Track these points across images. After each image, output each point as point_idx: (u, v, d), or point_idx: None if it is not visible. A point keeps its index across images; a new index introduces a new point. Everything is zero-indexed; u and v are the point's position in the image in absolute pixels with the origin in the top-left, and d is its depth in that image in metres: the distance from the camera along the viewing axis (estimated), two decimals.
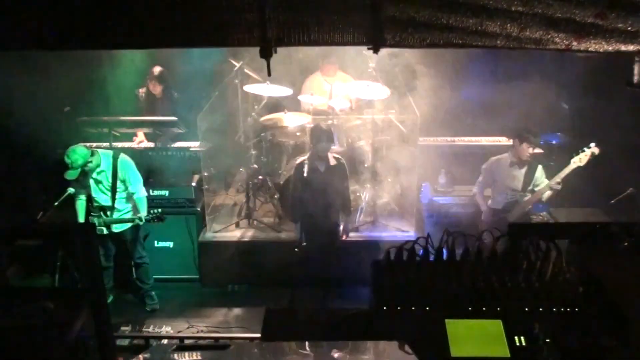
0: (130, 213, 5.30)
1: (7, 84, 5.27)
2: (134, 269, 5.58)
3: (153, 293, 5.65)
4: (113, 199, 5.15)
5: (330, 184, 5.13)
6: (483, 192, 5.60)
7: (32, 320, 2.01)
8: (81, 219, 5.16)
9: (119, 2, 1.89)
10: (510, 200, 5.36)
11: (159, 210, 5.37)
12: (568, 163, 4.96)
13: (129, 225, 5.30)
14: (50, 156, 6.00)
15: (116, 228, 5.26)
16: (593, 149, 4.87)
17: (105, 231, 5.20)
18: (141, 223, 5.19)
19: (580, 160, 4.88)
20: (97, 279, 2.27)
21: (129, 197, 5.26)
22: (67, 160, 4.82)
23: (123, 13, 1.90)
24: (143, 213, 5.22)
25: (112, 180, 5.12)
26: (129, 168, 5.20)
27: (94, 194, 5.15)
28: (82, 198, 5.17)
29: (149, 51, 6.07)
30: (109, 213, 5.17)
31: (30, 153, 5.67)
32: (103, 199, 5.16)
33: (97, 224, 5.14)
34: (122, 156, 5.21)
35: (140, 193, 5.28)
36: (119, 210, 5.24)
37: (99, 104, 6.30)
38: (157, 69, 6.18)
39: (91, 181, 5.10)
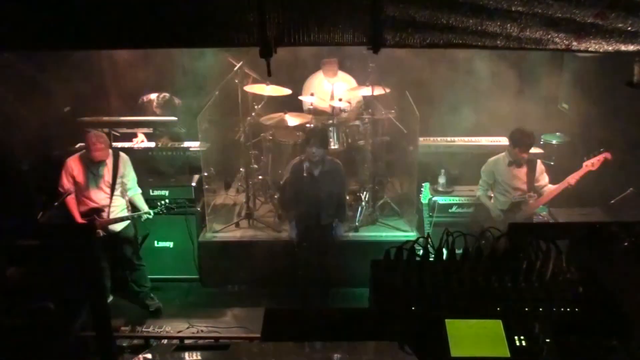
0: (125, 211, 5.27)
1: (7, 84, 5.27)
2: (129, 273, 5.50)
3: (152, 294, 5.62)
4: (111, 196, 5.13)
5: (323, 187, 5.12)
6: (487, 194, 5.59)
7: (32, 320, 2.01)
8: (77, 217, 5.07)
9: (118, 2, 1.89)
10: (518, 200, 5.35)
11: (166, 200, 5.40)
12: (580, 166, 5.01)
13: (126, 224, 5.28)
14: (50, 156, 6.00)
15: (112, 229, 5.21)
16: (605, 154, 4.92)
17: (101, 234, 5.12)
18: (150, 217, 5.22)
19: (592, 164, 4.94)
20: (97, 279, 2.27)
21: (123, 195, 5.25)
22: (93, 140, 4.86)
23: (122, 13, 1.90)
24: (145, 207, 5.24)
25: (112, 176, 5.11)
26: (128, 165, 5.22)
27: (90, 193, 5.05)
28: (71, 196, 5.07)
29: (150, 51, 6.07)
30: (104, 214, 5.11)
31: (30, 153, 5.66)
32: (100, 196, 5.10)
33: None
34: (122, 153, 5.24)
35: (138, 189, 5.33)
36: (115, 208, 5.19)
37: (99, 104, 6.31)
38: (164, 97, 6.27)
39: (90, 177, 5.04)
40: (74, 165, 5.04)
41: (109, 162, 5.08)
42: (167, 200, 5.39)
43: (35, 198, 5.68)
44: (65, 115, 6.20)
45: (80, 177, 5.03)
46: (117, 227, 5.24)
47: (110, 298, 5.56)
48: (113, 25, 1.93)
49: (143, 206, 5.30)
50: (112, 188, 5.13)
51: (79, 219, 5.05)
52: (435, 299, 2.13)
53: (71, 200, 5.07)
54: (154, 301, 5.59)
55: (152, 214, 5.23)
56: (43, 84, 5.71)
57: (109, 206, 5.14)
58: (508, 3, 1.86)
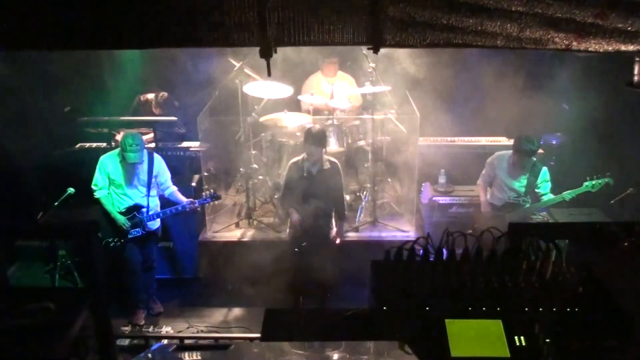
0: (158, 209, 5.30)
1: (7, 84, 5.27)
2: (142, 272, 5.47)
3: (155, 297, 5.60)
4: (148, 195, 5.16)
5: (321, 187, 5.12)
6: (485, 186, 5.59)
7: (32, 320, 2.01)
8: (114, 211, 5.07)
9: (118, 2, 1.89)
10: (512, 201, 5.35)
11: (211, 190, 5.48)
12: (580, 184, 5.07)
13: (159, 223, 5.32)
14: (50, 156, 6.00)
15: (151, 226, 5.24)
16: (608, 179, 4.97)
17: (141, 232, 5.16)
18: (196, 205, 5.29)
19: (593, 187, 5.01)
20: (97, 279, 2.27)
21: (157, 194, 5.29)
22: (129, 141, 4.83)
23: (122, 13, 1.90)
24: (186, 200, 5.29)
25: (147, 176, 5.13)
26: (162, 163, 5.27)
27: (126, 191, 5.09)
28: (104, 193, 5.08)
29: (150, 51, 6.08)
30: (143, 211, 5.14)
31: (30, 153, 5.66)
32: (136, 194, 5.12)
33: (141, 221, 5.13)
34: (155, 154, 5.28)
35: (174, 186, 5.37)
36: (152, 207, 5.23)
37: (99, 104, 6.30)
38: (163, 96, 6.23)
39: (126, 176, 5.06)
40: (108, 163, 5.07)
41: (144, 161, 5.10)
42: (212, 190, 5.47)
43: (35, 198, 5.68)
44: (66, 115, 6.20)
45: (115, 174, 5.06)
46: (154, 225, 5.27)
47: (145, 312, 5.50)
48: (113, 25, 1.93)
49: (183, 199, 5.34)
50: (148, 187, 5.16)
51: (117, 215, 5.07)
52: (435, 299, 2.13)
53: (105, 198, 5.09)
54: (157, 304, 5.58)
55: (197, 203, 5.28)
56: (43, 83, 5.72)
57: (147, 204, 5.17)
58: (508, 3, 1.86)
